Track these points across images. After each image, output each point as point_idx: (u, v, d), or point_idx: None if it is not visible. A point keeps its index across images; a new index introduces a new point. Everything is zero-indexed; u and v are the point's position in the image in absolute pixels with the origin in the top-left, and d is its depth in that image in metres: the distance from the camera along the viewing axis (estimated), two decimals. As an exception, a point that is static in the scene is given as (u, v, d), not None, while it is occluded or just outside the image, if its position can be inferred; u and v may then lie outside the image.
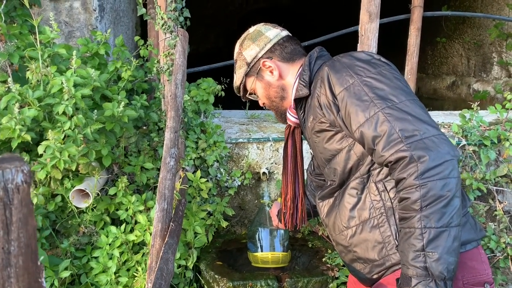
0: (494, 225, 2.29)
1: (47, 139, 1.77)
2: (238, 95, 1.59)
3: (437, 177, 1.06)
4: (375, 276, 1.30)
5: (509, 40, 4.00)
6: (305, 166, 1.74)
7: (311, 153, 1.57)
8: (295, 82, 1.42)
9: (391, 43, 4.83)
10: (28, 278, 0.56)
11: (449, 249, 1.05)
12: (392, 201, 1.24)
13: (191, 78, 2.60)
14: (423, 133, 1.08)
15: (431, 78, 5.49)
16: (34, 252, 0.54)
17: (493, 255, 2.21)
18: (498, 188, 2.33)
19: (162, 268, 1.22)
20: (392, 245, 1.23)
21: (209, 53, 8.55)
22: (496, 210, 2.28)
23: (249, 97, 1.56)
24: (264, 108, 1.58)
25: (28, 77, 1.88)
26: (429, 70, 5.52)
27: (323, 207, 1.44)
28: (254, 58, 1.44)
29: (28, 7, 2.01)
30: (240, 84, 1.51)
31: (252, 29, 1.50)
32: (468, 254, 1.21)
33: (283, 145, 2.37)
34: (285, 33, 1.47)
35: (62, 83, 1.78)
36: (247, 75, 1.48)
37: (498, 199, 2.32)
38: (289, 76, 1.44)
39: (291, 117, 1.48)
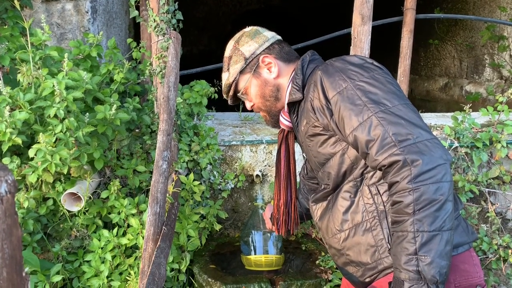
0: (486, 226, 2.30)
1: (38, 142, 1.76)
2: (225, 96, 1.53)
3: (430, 181, 1.06)
4: (367, 280, 1.30)
5: (501, 42, 4.03)
6: (298, 169, 1.74)
7: (303, 156, 1.57)
8: (288, 86, 1.41)
9: (384, 45, 4.85)
10: (12, 290, 0.54)
11: (441, 252, 1.06)
12: (385, 204, 1.24)
13: (184, 80, 2.59)
14: (416, 137, 1.09)
15: (424, 80, 5.52)
16: (19, 263, 0.53)
17: (485, 256, 2.22)
18: (490, 190, 2.34)
19: (154, 273, 1.21)
20: (385, 249, 1.23)
21: (203, 54, 8.55)
22: (488, 212, 2.29)
23: (241, 97, 1.51)
24: (253, 111, 1.55)
25: (19, 80, 1.87)
26: (422, 72, 5.55)
27: (316, 210, 1.44)
28: (252, 54, 1.42)
29: (19, 9, 1.99)
30: (233, 81, 1.46)
31: (248, 28, 1.49)
32: (460, 257, 1.22)
33: (276, 147, 2.37)
34: (279, 37, 1.48)
35: (53, 85, 1.77)
36: (242, 72, 1.44)
37: (490, 201, 2.33)
38: (285, 77, 1.43)
39: (285, 121, 1.47)
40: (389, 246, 1.23)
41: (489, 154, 2.37)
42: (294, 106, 1.40)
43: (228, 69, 1.46)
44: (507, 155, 2.33)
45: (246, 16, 8.55)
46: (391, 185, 1.12)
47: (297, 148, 1.57)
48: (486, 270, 2.26)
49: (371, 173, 1.26)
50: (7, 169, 0.52)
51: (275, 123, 1.51)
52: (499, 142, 2.29)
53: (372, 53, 2.41)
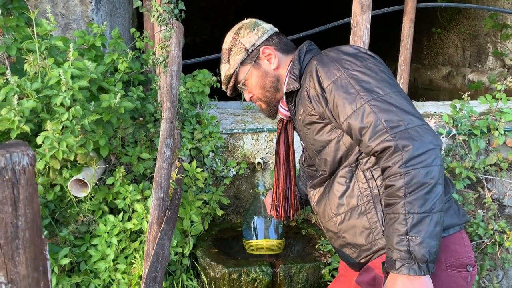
0: (483, 212, 2.35)
1: (45, 130, 1.81)
2: (224, 87, 1.55)
3: (421, 165, 1.10)
4: (362, 260, 1.35)
5: (504, 31, 4.03)
6: (297, 157, 1.79)
7: (301, 144, 1.61)
8: (286, 76, 1.45)
9: (388, 35, 4.85)
10: (34, 250, 0.63)
11: (431, 233, 1.10)
12: (379, 188, 1.28)
13: (188, 69, 2.63)
14: (407, 124, 1.13)
15: (427, 69, 5.52)
16: (39, 227, 0.61)
17: (481, 241, 2.27)
18: (488, 176, 2.38)
19: (158, 253, 1.27)
20: (379, 231, 1.28)
21: (206, 44, 8.55)
22: (485, 198, 2.34)
23: (240, 88, 1.53)
24: (251, 101, 1.57)
25: (26, 69, 1.92)
26: (425, 61, 5.55)
27: (314, 195, 1.49)
28: (253, 45, 1.45)
29: None
30: (233, 73, 1.48)
31: (247, 21, 1.52)
32: (451, 238, 1.27)
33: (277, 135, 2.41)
34: (276, 29, 1.52)
35: (59, 75, 1.82)
36: (242, 63, 1.47)
37: (487, 187, 2.37)
38: (284, 68, 1.47)
39: (283, 110, 1.51)
40: (383, 228, 1.28)
41: (487, 142, 2.41)
42: (291, 96, 1.44)
43: (228, 61, 1.49)
44: (504, 143, 2.36)
45: (249, 5, 8.53)
46: (384, 169, 1.16)
47: (297, 136, 1.62)
48: (482, 255, 2.32)
49: (366, 159, 1.30)
50: (27, 145, 0.60)
51: (273, 113, 1.55)
52: (497, 129, 2.32)
53: (374, 41, 2.43)
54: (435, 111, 2.83)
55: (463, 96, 2.41)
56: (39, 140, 1.80)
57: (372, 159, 1.28)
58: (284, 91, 1.44)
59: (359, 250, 1.34)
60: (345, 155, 1.33)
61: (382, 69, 1.24)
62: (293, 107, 1.45)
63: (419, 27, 2.98)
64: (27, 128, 1.78)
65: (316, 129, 1.35)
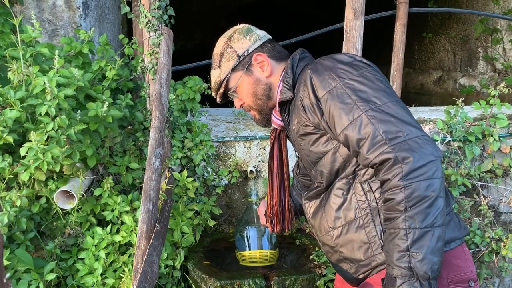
0: (479, 220, 2.31)
1: (29, 141, 1.74)
2: (214, 94, 1.50)
3: (421, 178, 1.06)
4: (361, 276, 1.30)
5: (494, 35, 4.04)
6: (291, 166, 1.74)
7: (296, 155, 1.56)
8: (279, 85, 1.40)
9: (380, 38, 4.84)
10: (-7, 295, 0.54)
11: (433, 249, 1.06)
12: (378, 201, 1.24)
13: (179, 75, 2.57)
14: (406, 135, 1.09)
15: (418, 73, 5.53)
16: (0, 269, 0.53)
17: (478, 249, 2.23)
18: (483, 183, 2.35)
19: (146, 271, 1.21)
20: (378, 245, 1.24)
21: (197, 49, 8.50)
22: (480, 205, 2.31)
23: (231, 95, 1.48)
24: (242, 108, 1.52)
25: (10, 78, 1.85)
26: (416, 65, 5.55)
27: (310, 208, 1.44)
28: (245, 51, 1.41)
29: (8, 6, 1.97)
30: (224, 79, 1.44)
31: (240, 26, 1.48)
32: (452, 253, 1.23)
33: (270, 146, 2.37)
34: (269, 36, 1.47)
35: (44, 83, 1.75)
36: (234, 69, 1.42)
37: (482, 194, 2.34)
38: (276, 76, 1.43)
39: (277, 120, 1.47)
40: (382, 243, 1.23)
41: (482, 148, 2.38)
42: (285, 105, 1.39)
43: (219, 66, 1.45)
44: (499, 149, 2.34)
45: (241, 10, 8.50)
46: (383, 182, 1.12)
47: (290, 145, 1.57)
48: (479, 263, 2.28)
49: (364, 170, 1.26)
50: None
51: (266, 122, 1.50)
52: (492, 135, 2.30)
53: (367, 46, 2.39)
54: (428, 116, 2.80)
55: (457, 102, 2.38)
56: (22, 151, 1.73)
57: (370, 170, 1.24)
58: (278, 101, 1.39)
59: (357, 266, 1.30)
60: (342, 167, 1.28)
61: (378, 77, 1.20)
62: (287, 117, 1.40)
63: (410, 31, 2.96)
64: (10, 139, 1.72)
65: (311, 140, 1.30)
